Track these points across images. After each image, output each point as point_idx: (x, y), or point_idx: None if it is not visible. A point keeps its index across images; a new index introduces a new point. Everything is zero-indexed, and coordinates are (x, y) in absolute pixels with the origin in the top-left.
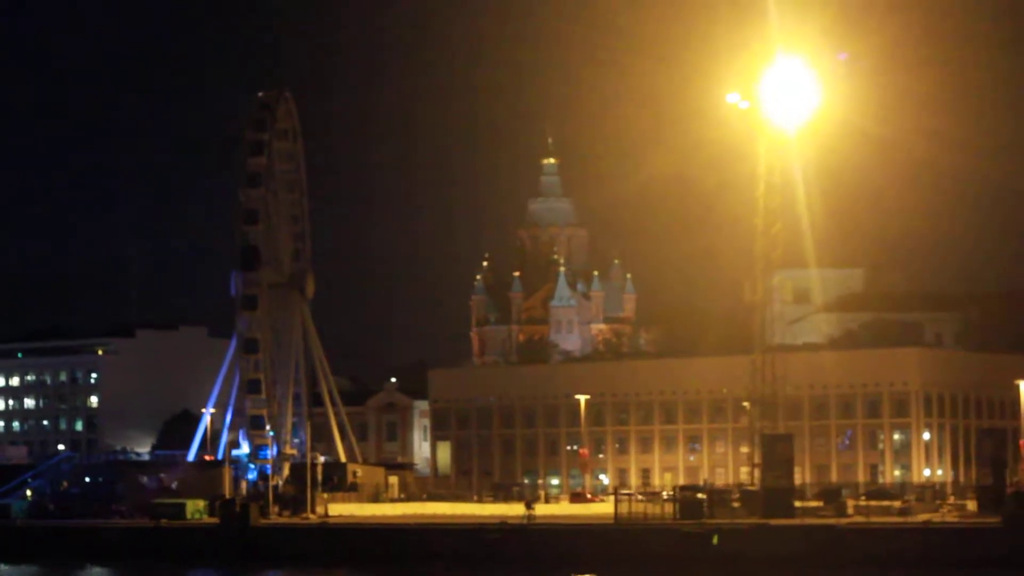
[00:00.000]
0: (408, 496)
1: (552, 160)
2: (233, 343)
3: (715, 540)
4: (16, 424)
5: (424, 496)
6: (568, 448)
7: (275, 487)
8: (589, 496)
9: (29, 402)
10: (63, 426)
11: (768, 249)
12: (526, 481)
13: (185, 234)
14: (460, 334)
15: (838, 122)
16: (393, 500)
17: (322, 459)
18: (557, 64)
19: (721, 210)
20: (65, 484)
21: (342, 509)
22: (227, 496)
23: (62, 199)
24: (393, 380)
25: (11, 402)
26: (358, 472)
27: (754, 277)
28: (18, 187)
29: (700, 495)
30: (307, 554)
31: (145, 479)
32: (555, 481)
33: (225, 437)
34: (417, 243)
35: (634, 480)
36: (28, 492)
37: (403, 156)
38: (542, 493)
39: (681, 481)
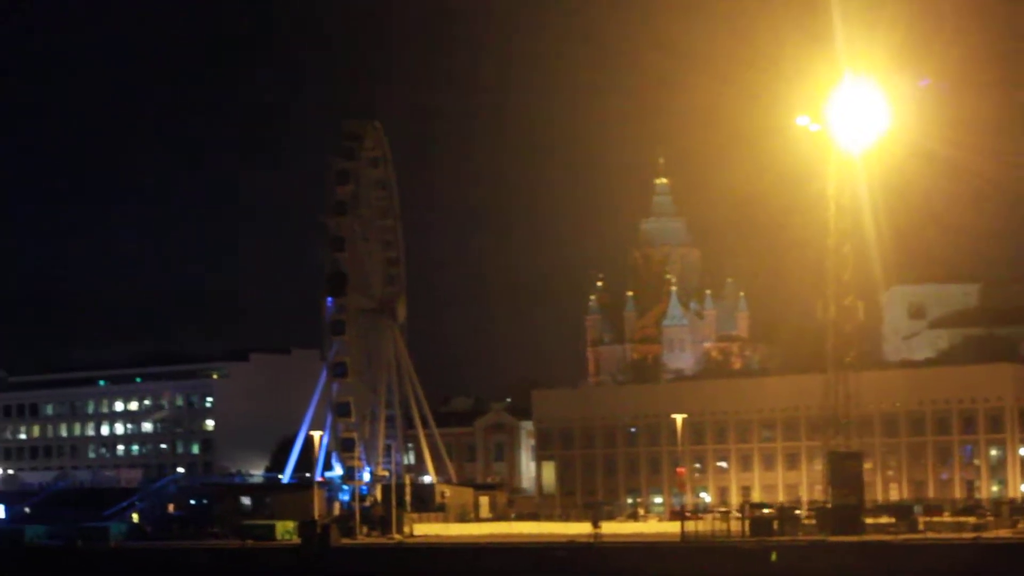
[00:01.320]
0: (497, 515)
1: (664, 180)
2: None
3: (773, 557)
4: (135, 448)
5: (512, 516)
6: (669, 467)
7: (366, 507)
8: (687, 514)
9: (147, 426)
10: (180, 449)
11: (839, 269)
12: (628, 500)
13: (290, 259)
14: (576, 354)
15: (906, 143)
16: (480, 520)
17: (425, 479)
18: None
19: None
20: (171, 507)
21: (427, 529)
22: (316, 517)
23: (169, 225)
24: (509, 400)
25: (129, 426)
26: (446, 492)
27: (826, 296)
28: (130, 215)
29: (769, 512)
30: (382, 573)
31: (240, 501)
32: (658, 499)
33: (322, 459)
34: (535, 263)
35: (734, 498)
36: (134, 515)
37: (524, 176)
38: (641, 510)
39: (780, 499)
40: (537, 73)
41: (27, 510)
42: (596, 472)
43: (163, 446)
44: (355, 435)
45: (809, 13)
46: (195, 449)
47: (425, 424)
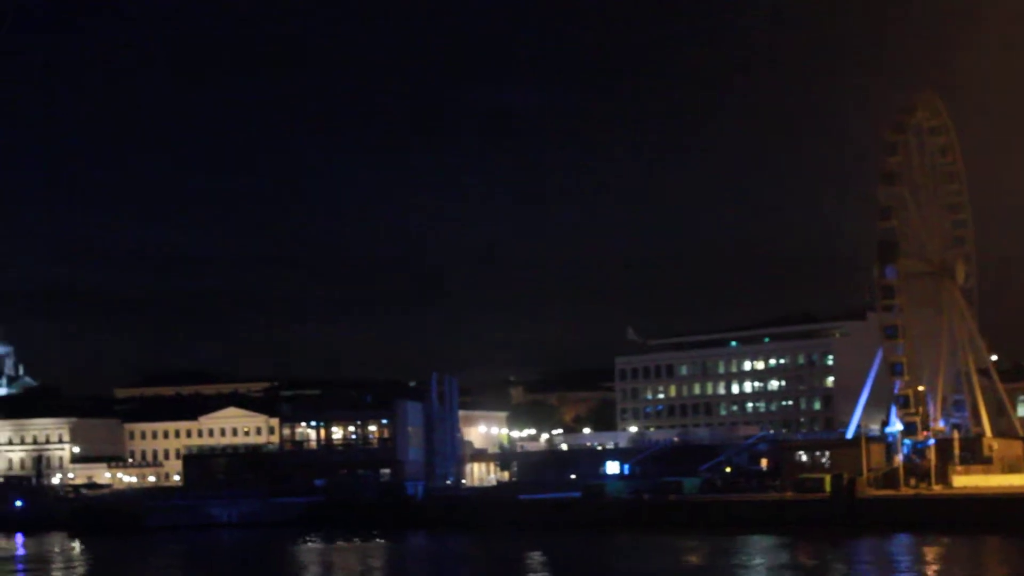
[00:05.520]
0: None
1: None
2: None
3: None
4: (761, 405)
5: None
6: None
7: (915, 461)
8: None
9: (773, 383)
10: (803, 405)
11: None
12: None
13: None
14: None
15: None
16: None
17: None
18: None
19: None
20: (764, 462)
21: (967, 480)
22: (865, 471)
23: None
24: None
25: (756, 384)
26: (993, 446)
27: None
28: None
29: None
30: (888, 519)
31: (801, 456)
32: None
33: (892, 417)
34: None
35: None
36: (728, 469)
37: None
38: None
39: None
40: None
41: (636, 466)
42: None
43: (787, 403)
44: (910, 392)
45: None
46: (816, 405)
47: (986, 379)
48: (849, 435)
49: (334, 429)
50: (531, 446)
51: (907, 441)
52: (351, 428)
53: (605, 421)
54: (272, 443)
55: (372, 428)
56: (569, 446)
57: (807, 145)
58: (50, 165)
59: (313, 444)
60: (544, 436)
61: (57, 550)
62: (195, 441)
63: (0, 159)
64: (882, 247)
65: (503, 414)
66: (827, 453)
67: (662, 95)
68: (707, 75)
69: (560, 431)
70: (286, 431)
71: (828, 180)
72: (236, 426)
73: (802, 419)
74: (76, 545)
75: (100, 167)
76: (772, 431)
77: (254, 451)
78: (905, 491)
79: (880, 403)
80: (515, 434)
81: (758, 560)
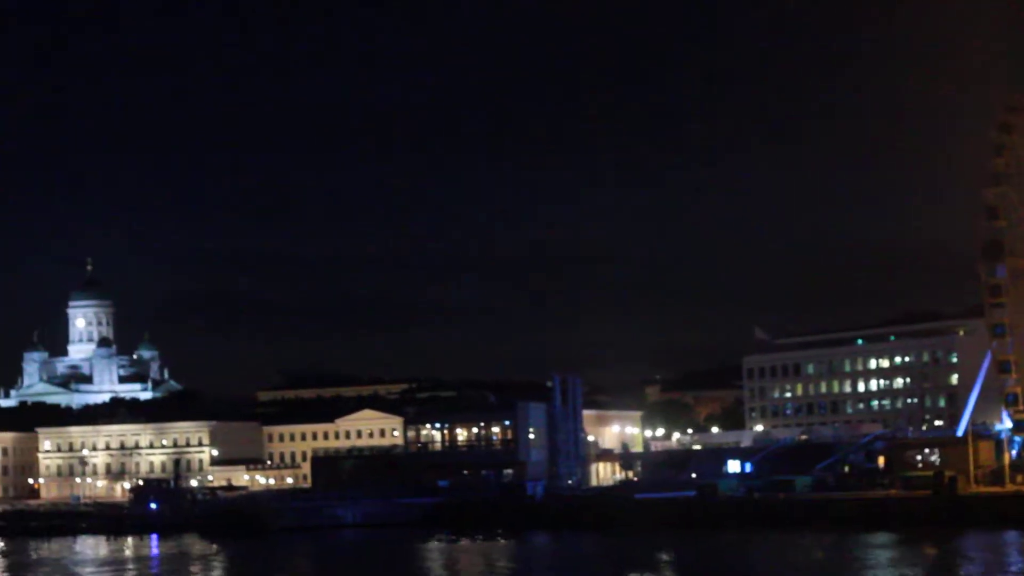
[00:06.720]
0: None
1: None
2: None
3: None
4: (887, 402)
5: None
6: None
7: (1022, 456)
8: None
9: (898, 381)
10: (927, 403)
11: None
12: None
13: None
14: None
15: None
16: None
17: None
18: None
19: None
20: (881, 460)
21: None
22: (972, 467)
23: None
24: None
25: (882, 382)
26: None
27: None
28: None
29: None
30: (1002, 518)
31: (913, 454)
32: None
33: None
34: None
35: None
36: (847, 467)
37: None
38: None
39: None
40: None
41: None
42: None
43: (912, 400)
44: (1019, 390)
45: None
46: (941, 402)
47: None
48: (960, 433)
49: (458, 430)
50: (661, 445)
51: (1016, 438)
52: (475, 429)
53: (735, 420)
54: (400, 444)
55: (495, 429)
56: (698, 445)
57: (930, 142)
58: (192, 177)
59: (438, 445)
60: (675, 435)
61: (196, 551)
62: (331, 443)
63: (145, 173)
64: (988, 247)
65: (637, 414)
66: (937, 451)
67: (782, 94)
68: (832, 73)
69: (691, 430)
70: (411, 433)
71: (951, 177)
72: (371, 428)
73: (927, 416)
74: (209, 547)
75: (239, 174)
76: (889, 429)
77: (381, 453)
78: (1009, 488)
79: (1000, 401)
80: (647, 433)
81: (871, 556)
